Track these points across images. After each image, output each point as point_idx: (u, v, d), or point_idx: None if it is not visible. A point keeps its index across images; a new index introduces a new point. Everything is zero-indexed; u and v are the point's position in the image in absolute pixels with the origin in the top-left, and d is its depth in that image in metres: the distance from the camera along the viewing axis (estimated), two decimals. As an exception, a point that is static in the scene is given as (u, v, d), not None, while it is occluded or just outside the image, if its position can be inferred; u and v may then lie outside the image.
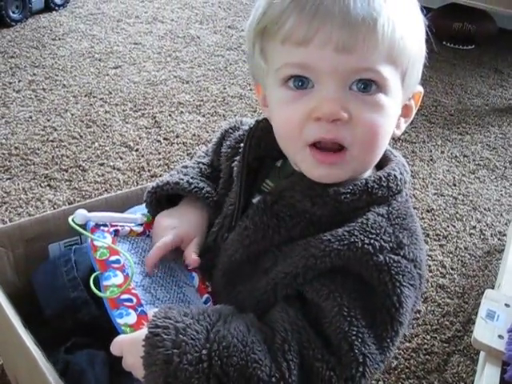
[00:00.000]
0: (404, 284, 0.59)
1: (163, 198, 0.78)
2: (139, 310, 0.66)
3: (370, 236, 0.60)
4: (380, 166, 0.67)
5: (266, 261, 0.65)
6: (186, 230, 0.73)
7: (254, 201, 0.68)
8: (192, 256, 0.71)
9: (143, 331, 0.57)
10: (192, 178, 0.77)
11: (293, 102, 0.60)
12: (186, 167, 0.81)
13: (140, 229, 0.76)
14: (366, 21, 0.56)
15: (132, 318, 0.65)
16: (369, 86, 0.58)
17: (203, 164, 0.81)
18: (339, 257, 0.59)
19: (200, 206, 0.76)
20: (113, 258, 0.69)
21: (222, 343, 0.55)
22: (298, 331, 0.58)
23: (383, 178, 0.63)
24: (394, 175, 0.64)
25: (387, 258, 0.59)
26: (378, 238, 0.60)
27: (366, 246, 0.59)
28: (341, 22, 0.55)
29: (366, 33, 0.56)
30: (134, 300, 0.67)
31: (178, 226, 0.74)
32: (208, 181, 0.78)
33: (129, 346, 0.59)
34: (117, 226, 0.74)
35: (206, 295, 0.72)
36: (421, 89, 0.66)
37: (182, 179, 0.76)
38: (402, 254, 0.60)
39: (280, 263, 0.63)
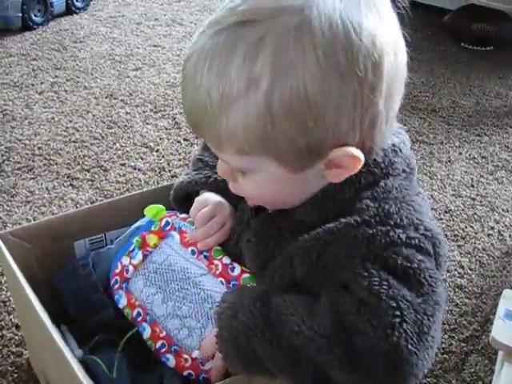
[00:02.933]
0: (405, 251, 0.57)
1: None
2: (173, 349, 0.71)
3: (356, 216, 0.59)
4: None
5: (272, 269, 0.66)
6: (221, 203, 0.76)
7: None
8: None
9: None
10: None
11: None
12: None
13: (139, 257, 0.78)
14: (197, 123, 0.59)
15: (172, 362, 0.71)
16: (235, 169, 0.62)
17: None
18: (327, 241, 0.59)
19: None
20: (135, 313, 0.75)
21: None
22: (335, 297, 0.57)
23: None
24: (374, 160, 0.61)
25: (374, 231, 0.57)
26: (363, 215, 0.58)
27: (351, 222, 0.58)
28: (186, 117, 0.61)
29: (202, 133, 0.59)
30: (166, 344, 0.72)
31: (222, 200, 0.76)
32: None
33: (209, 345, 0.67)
34: (123, 275, 0.78)
35: (220, 278, 0.72)
36: (342, 152, 0.57)
37: (210, 176, 0.78)
38: (392, 223, 0.58)
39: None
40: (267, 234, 0.66)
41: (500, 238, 1.31)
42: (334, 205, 0.62)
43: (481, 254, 1.25)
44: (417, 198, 0.63)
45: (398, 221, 0.58)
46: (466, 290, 1.15)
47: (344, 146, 0.57)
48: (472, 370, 0.99)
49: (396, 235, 0.57)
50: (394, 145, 0.64)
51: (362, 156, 0.58)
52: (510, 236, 1.32)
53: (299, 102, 0.53)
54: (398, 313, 0.53)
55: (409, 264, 0.56)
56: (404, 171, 0.64)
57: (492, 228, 1.33)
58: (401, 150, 0.64)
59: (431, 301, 0.56)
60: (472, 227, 1.33)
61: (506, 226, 1.35)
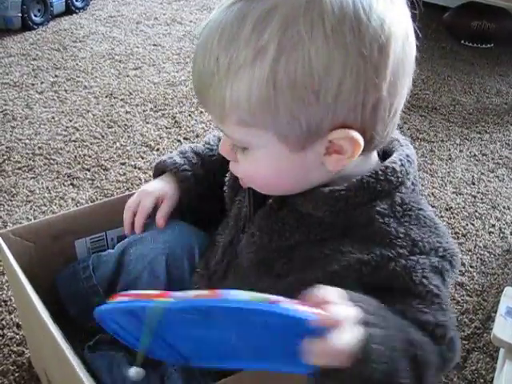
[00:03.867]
0: (433, 276, 0.61)
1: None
2: None
3: (386, 246, 0.60)
4: (384, 157, 0.67)
5: (278, 267, 0.66)
6: (163, 194, 0.80)
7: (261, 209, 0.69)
8: (160, 220, 0.79)
9: None
10: (182, 156, 0.83)
11: None
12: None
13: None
14: (203, 91, 0.59)
15: None
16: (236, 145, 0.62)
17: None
18: (363, 272, 0.60)
19: (174, 179, 0.82)
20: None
21: None
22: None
23: (380, 172, 0.62)
24: (393, 168, 0.62)
25: (409, 262, 0.60)
26: (394, 246, 0.60)
27: (388, 254, 0.60)
28: (193, 85, 0.62)
29: (207, 102, 0.60)
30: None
31: (154, 188, 0.81)
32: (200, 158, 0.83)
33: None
34: None
35: None
36: (342, 133, 0.57)
37: (172, 158, 0.83)
38: (418, 251, 0.61)
39: (294, 272, 0.64)
40: (271, 228, 0.66)
41: (501, 235, 1.31)
42: (347, 206, 0.62)
43: (482, 252, 1.25)
44: (428, 214, 0.65)
45: (423, 248, 0.61)
46: (468, 287, 1.15)
47: (344, 128, 0.57)
48: (473, 368, 0.99)
49: (423, 262, 0.61)
50: (407, 155, 0.65)
51: (361, 141, 0.58)
52: (511, 233, 1.31)
53: (303, 74, 0.54)
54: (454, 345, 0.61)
55: (438, 292, 0.61)
56: (413, 183, 0.65)
57: (493, 226, 1.33)
58: (414, 162, 0.66)
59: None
60: (473, 225, 1.33)
61: (507, 223, 1.35)
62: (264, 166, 0.61)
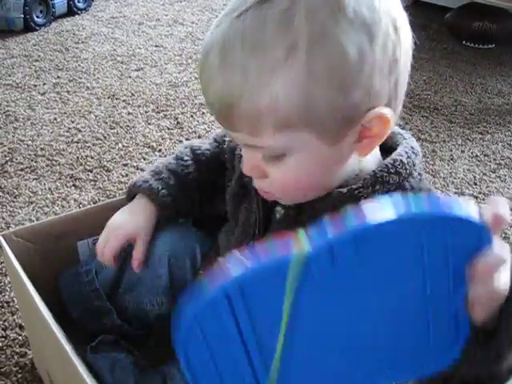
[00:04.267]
0: None
1: None
2: None
3: None
4: (389, 150, 0.67)
5: None
6: (135, 232, 0.77)
7: (277, 215, 0.69)
8: (135, 263, 0.77)
9: None
10: (158, 177, 0.79)
11: None
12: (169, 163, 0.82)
13: None
14: (230, 109, 0.56)
15: None
16: (268, 155, 0.60)
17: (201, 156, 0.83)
18: None
19: (151, 203, 0.78)
20: None
21: None
22: None
23: (390, 166, 0.63)
24: (401, 160, 0.63)
25: None
26: None
27: None
28: (214, 109, 0.58)
29: (236, 119, 0.56)
30: None
31: (126, 225, 0.77)
32: (179, 180, 0.80)
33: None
34: None
35: None
36: (375, 113, 0.58)
37: (147, 181, 0.79)
38: None
39: None
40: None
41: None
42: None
43: (484, 252, 1.25)
44: (438, 195, 0.64)
45: None
46: (470, 288, 1.15)
47: (376, 108, 0.58)
48: (476, 368, 0.99)
49: None
50: (412, 147, 0.66)
51: (392, 118, 0.58)
52: (513, 234, 1.31)
53: (337, 61, 0.54)
54: None
55: None
56: (419, 174, 0.66)
57: (495, 226, 1.33)
58: (418, 153, 0.66)
59: None
60: (475, 225, 1.33)
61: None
62: (301, 169, 0.60)
